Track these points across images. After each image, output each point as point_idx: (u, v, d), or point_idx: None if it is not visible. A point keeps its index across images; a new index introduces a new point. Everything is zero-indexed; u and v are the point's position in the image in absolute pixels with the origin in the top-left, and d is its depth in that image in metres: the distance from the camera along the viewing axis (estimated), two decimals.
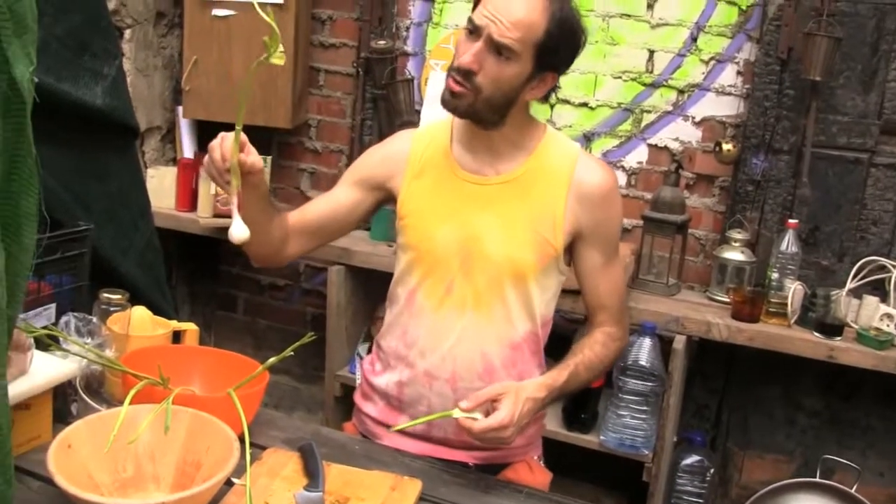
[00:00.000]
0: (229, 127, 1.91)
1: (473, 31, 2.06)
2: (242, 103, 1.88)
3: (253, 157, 1.99)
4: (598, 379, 2.50)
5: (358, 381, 2.54)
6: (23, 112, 1.20)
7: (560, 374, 2.16)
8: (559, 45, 2.08)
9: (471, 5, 2.14)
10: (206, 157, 2.00)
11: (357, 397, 2.47)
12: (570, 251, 2.27)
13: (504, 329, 2.23)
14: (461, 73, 2.06)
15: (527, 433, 2.29)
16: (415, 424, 2.17)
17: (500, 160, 2.22)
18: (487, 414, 1.99)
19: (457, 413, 1.99)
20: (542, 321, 2.28)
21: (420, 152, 2.29)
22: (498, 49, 2.03)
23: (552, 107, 3.81)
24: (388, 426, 2.30)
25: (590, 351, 2.25)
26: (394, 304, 2.36)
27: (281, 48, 1.79)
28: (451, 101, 2.11)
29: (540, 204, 2.19)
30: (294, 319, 4.53)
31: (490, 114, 2.13)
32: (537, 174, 2.21)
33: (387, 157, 2.36)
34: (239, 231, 1.93)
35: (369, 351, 3.38)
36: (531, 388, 2.08)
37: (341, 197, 2.35)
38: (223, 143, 1.96)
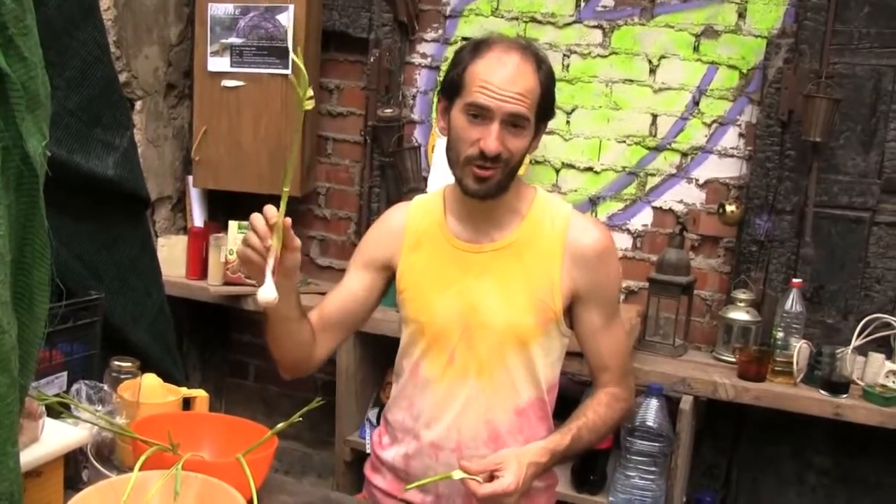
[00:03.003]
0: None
1: (479, 114, 2.06)
2: (290, 169, 1.89)
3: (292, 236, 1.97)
4: (604, 440, 2.48)
5: (368, 450, 2.54)
6: (35, 185, 1.23)
7: (563, 438, 2.14)
8: (551, 96, 2.14)
9: None
10: (248, 230, 1.95)
11: (367, 469, 2.47)
12: (570, 313, 2.26)
13: (508, 396, 2.22)
14: (489, 160, 2.06)
15: (537, 501, 2.30)
16: (422, 484, 2.14)
17: (496, 228, 2.22)
18: (491, 479, 2.00)
19: (457, 474, 2.00)
20: (547, 386, 2.27)
21: (416, 225, 2.30)
22: (514, 122, 2.05)
23: (557, 171, 3.86)
24: (395, 498, 2.31)
25: (593, 413, 2.23)
26: (399, 377, 2.36)
27: (310, 92, 1.80)
28: (480, 189, 2.11)
29: (536, 267, 2.19)
30: (304, 386, 4.50)
31: (508, 182, 2.14)
32: (531, 238, 2.21)
33: (385, 234, 2.36)
34: (268, 292, 1.87)
35: (379, 418, 3.39)
36: (532, 453, 2.07)
37: (354, 284, 2.35)
38: (266, 210, 1.93)
